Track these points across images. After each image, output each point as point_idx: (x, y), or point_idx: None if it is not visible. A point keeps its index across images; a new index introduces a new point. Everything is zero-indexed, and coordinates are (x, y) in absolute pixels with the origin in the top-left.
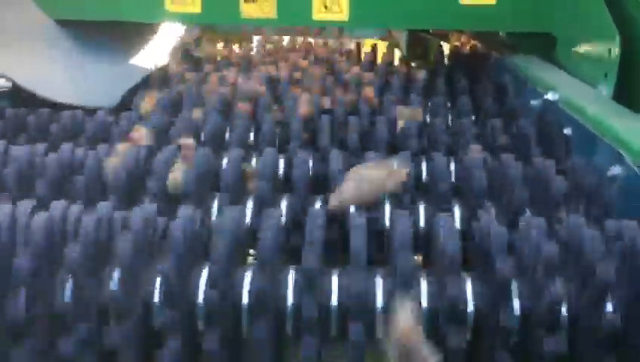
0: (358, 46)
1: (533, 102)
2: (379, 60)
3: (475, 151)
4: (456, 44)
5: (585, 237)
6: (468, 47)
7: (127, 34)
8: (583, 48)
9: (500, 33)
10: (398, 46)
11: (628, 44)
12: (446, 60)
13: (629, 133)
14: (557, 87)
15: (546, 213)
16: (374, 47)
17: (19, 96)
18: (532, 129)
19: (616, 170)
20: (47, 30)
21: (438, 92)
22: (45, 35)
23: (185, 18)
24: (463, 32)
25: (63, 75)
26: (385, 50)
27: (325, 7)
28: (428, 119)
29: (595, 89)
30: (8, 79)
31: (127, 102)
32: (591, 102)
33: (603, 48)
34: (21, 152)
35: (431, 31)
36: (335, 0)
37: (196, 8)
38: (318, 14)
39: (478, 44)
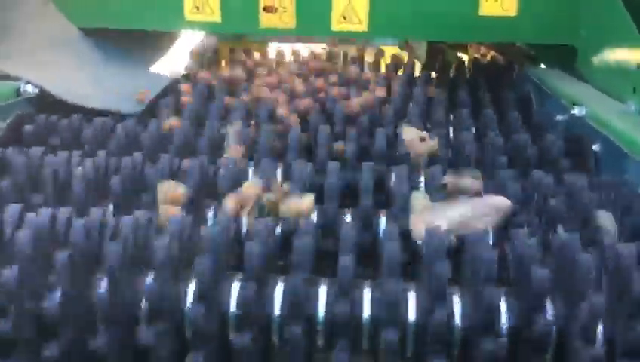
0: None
1: (559, 117)
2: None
3: None
4: (476, 55)
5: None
6: (487, 58)
7: (148, 42)
8: (609, 62)
9: (519, 44)
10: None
11: None
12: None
13: None
14: (583, 102)
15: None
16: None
17: (45, 102)
18: (560, 144)
19: None
20: (73, 38)
21: (461, 105)
22: (71, 42)
23: (205, 27)
24: (482, 43)
25: (88, 81)
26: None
27: (344, 17)
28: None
29: (624, 104)
30: (36, 86)
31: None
32: (620, 117)
33: (632, 62)
34: (57, 159)
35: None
36: (354, 11)
37: (216, 17)
38: (338, 25)
39: (498, 56)
